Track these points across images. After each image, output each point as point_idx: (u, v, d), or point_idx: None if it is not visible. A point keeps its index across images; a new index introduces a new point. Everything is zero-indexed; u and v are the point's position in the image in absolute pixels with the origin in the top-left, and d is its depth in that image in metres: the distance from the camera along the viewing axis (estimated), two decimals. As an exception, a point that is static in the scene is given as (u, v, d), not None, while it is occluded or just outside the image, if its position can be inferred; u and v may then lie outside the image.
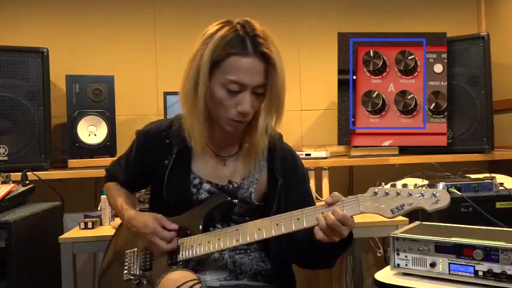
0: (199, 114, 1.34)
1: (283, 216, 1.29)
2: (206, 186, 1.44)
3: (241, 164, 1.47)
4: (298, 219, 1.27)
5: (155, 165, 1.47)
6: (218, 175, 1.45)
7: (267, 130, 1.42)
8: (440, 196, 1.16)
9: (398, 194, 1.19)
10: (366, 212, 1.22)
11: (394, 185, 1.22)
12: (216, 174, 1.46)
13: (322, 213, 1.24)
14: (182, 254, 1.37)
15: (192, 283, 1.23)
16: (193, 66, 1.32)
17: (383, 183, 1.24)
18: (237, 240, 1.32)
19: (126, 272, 1.47)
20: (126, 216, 1.48)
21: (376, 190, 1.22)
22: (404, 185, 1.21)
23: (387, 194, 1.21)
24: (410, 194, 1.18)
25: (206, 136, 1.39)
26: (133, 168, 1.56)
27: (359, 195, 1.24)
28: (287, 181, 1.45)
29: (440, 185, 1.19)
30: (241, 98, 1.30)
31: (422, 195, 1.17)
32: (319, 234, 1.22)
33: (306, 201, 1.43)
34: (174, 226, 1.38)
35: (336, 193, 1.27)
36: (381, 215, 1.20)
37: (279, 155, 1.47)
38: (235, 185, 1.45)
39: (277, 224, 1.28)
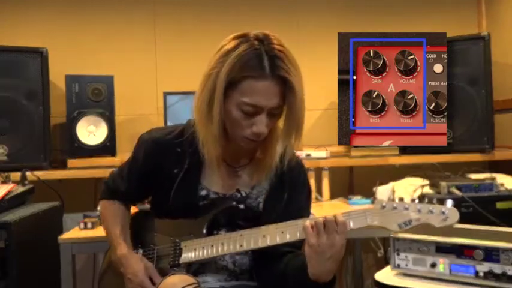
0: (214, 130, 1.30)
1: (289, 224, 1.28)
2: (213, 196, 1.43)
3: (251, 174, 1.44)
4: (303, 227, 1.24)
5: (163, 173, 1.43)
6: (227, 185, 1.44)
7: (285, 153, 1.39)
8: (449, 214, 1.15)
9: (406, 209, 1.18)
10: (373, 226, 1.21)
11: (402, 199, 1.20)
12: (225, 184, 1.44)
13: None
14: (184, 257, 1.36)
15: (191, 287, 1.22)
16: (209, 84, 1.28)
17: (391, 196, 1.22)
18: (241, 246, 1.31)
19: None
20: (118, 252, 1.43)
21: (383, 204, 1.21)
22: (413, 200, 1.19)
23: (395, 208, 1.19)
24: (419, 210, 1.17)
25: (219, 150, 1.35)
26: (137, 176, 1.50)
27: (366, 209, 1.23)
28: (291, 194, 1.43)
29: (449, 202, 1.17)
30: (257, 119, 1.27)
31: (431, 212, 1.16)
32: (311, 239, 1.19)
33: (300, 213, 1.40)
34: None
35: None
36: (387, 228, 1.19)
37: (287, 166, 1.44)
38: (244, 194, 1.43)
39: (283, 232, 1.27)
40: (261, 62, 1.24)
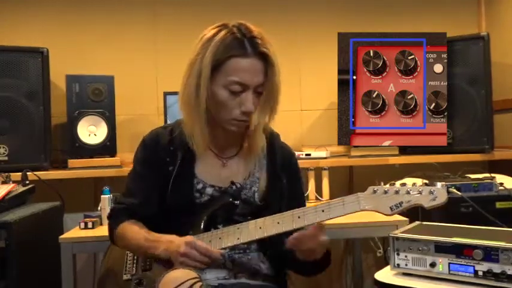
0: (201, 117, 1.36)
1: (284, 214, 1.31)
2: (209, 190, 1.45)
3: (242, 164, 1.48)
4: (299, 217, 1.29)
5: (160, 171, 1.45)
6: (221, 177, 1.46)
7: (265, 129, 1.44)
8: (437, 193, 1.19)
9: (396, 192, 1.23)
10: (366, 210, 1.25)
11: (392, 185, 1.25)
12: (218, 176, 1.47)
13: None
14: None
15: (193, 281, 1.23)
16: (194, 70, 1.35)
17: (382, 183, 1.27)
18: (238, 239, 1.33)
19: (125, 272, 1.47)
20: (159, 250, 1.34)
21: (375, 188, 1.26)
22: (403, 184, 1.24)
23: (386, 192, 1.24)
24: (408, 192, 1.22)
25: (208, 138, 1.41)
26: (144, 184, 1.47)
27: (359, 193, 1.27)
28: (289, 179, 1.49)
29: (439, 183, 1.21)
30: (244, 98, 1.34)
31: (420, 193, 1.21)
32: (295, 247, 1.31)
33: (299, 200, 1.51)
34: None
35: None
36: (380, 212, 1.23)
37: (279, 153, 1.50)
38: (238, 186, 1.45)
39: (278, 223, 1.30)
40: (242, 43, 1.33)
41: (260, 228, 1.31)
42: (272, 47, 1.35)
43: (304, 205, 1.49)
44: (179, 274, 1.26)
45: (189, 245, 1.28)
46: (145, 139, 1.52)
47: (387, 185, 1.26)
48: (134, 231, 1.41)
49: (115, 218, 1.48)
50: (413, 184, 1.23)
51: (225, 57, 1.32)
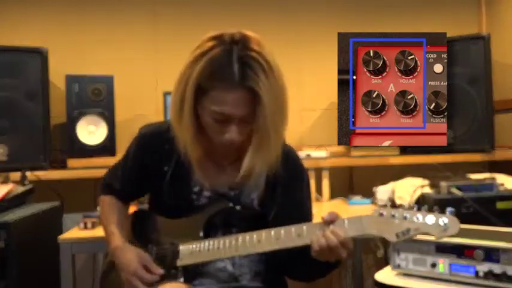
0: (185, 134, 1.29)
1: (285, 230, 1.26)
2: (207, 193, 1.42)
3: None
4: (299, 235, 1.23)
5: (153, 170, 1.43)
6: (219, 181, 1.43)
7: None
8: (449, 224, 1.11)
9: (404, 218, 1.15)
10: (369, 234, 1.18)
11: (401, 206, 1.17)
12: (217, 180, 1.43)
13: (324, 231, 1.20)
14: (181, 259, 1.36)
15: None
16: (180, 87, 1.26)
17: (389, 204, 1.19)
18: (236, 251, 1.30)
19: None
20: (112, 244, 1.42)
21: (381, 211, 1.17)
22: (411, 208, 1.16)
23: (393, 216, 1.16)
24: (417, 219, 1.13)
25: (199, 150, 1.34)
26: (130, 174, 1.49)
27: (363, 215, 1.20)
28: (286, 188, 1.41)
29: (449, 210, 1.13)
30: (228, 127, 1.25)
31: (431, 222, 1.12)
32: (315, 253, 1.20)
33: (301, 211, 1.42)
34: (159, 271, 1.34)
35: (334, 212, 1.22)
36: (385, 238, 1.16)
37: (281, 161, 1.40)
38: (237, 192, 1.42)
39: (278, 239, 1.26)
40: (231, 69, 1.19)
41: (259, 241, 1.27)
42: (266, 76, 1.20)
43: (308, 217, 1.43)
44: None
45: (134, 276, 1.33)
46: (140, 136, 1.47)
47: (395, 209, 1.16)
48: (105, 211, 1.52)
49: (101, 188, 1.58)
50: (423, 199, 1.16)
51: (209, 85, 1.21)
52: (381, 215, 1.17)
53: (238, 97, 1.20)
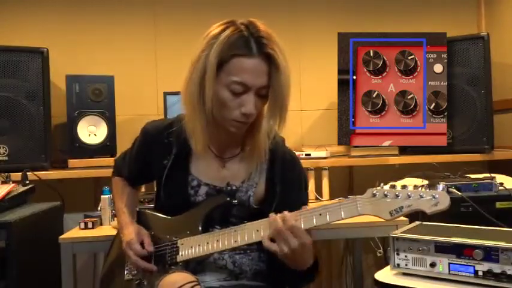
0: (203, 115, 1.33)
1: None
2: (204, 188, 1.44)
3: (242, 166, 1.45)
4: (295, 221, 1.26)
5: (154, 164, 1.48)
6: (217, 177, 1.45)
7: (270, 133, 1.39)
8: (439, 198, 1.14)
9: (397, 196, 1.18)
10: (364, 214, 1.21)
11: (393, 186, 1.20)
12: (215, 176, 1.45)
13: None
14: (181, 255, 1.37)
15: (191, 285, 1.23)
16: (198, 68, 1.30)
17: (382, 184, 1.23)
18: (235, 242, 1.32)
19: (127, 272, 1.48)
20: (120, 219, 1.56)
21: (374, 192, 1.21)
22: (404, 186, 1.19)
23: (386, 195, 1.19)
24: (409, 196, 1.17)
25: (208, 137, 1.38)
26: (134, 165, 1.59)
27: (357, 196, 1.23)
28: (285, 187, 1.43)
29: (440, 186, 1.17)
30: (245, 99, 1.29)
31: (421, 197, 1.15)
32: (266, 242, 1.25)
33: (299, 207, 1.41)
34: (150, 249, 1.43)
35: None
36: (379, 217, 1.19)
37: (279, 159, 1.45)
38: (234, 188, 1.44)
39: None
40: (248, 42, 1.27)
41: (257, 230, 1.29)
42: (280, 49, 1.29)
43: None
44: (177, 277, 1.26)
45: (128, 245, 1.43)
46: (144, 131, 1.54)
47: (387, 187, 1.21)
48: (118, 191, 1.64)
49: (114, 169, 1.71)
50: (415, 187, 1.18)
51: (229, 55, 1.26)
52: (374, 195, 1.20)
53: (257, 65, 1.27)
